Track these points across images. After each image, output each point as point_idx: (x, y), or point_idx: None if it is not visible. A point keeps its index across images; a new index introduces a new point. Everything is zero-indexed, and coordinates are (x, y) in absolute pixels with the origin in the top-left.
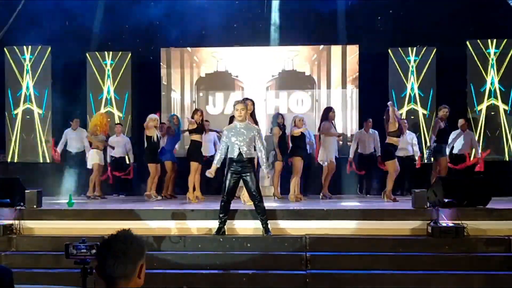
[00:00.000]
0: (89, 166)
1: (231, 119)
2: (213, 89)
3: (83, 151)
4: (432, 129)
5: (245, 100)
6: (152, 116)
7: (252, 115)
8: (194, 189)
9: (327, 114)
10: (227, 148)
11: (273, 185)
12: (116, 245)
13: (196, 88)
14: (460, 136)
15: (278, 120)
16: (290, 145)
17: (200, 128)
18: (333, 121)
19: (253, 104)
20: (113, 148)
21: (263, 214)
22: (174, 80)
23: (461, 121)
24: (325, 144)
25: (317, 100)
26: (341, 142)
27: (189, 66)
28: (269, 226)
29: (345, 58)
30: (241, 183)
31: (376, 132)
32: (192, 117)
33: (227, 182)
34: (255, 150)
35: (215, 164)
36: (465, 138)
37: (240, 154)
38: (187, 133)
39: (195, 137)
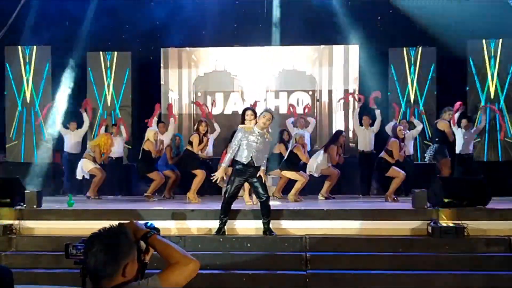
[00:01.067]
0: (79, 176)
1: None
2: (211, 88)
3: (81, 152)
4: (448, 136)
5: (246, 110)
6: (152, 129)
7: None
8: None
9: (337, 137)
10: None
11: (277, 186)
12: (100, 244)
13: (194, 88)
14: (464, 136)
15: (283, 136)
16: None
17: (203, 141)
18: (341, 145)
19: (255, 114)
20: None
21: (267, 215)
22: (172, 80)
23: (464, 121)
24: (319, 157)
25: (318, 100)
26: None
27: (187, 65)
28: (271, 227)
29: (348, 57)
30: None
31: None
32: (197, 129)
33: (232, 184)
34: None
35: (225, 165)
36: (468, 138)
37: (251, 160)
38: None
39: (190, 147)
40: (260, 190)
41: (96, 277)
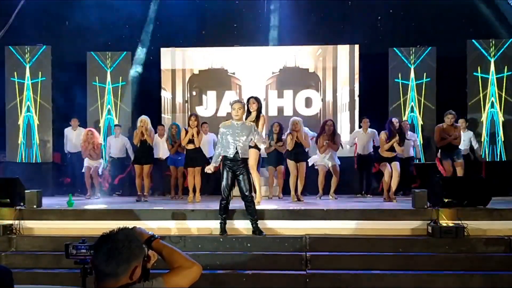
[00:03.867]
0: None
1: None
2: (207, 87)
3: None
4: (436, 141)
5: (249, 98)
6: (141, 117)
7: (258, 115)
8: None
9: (323, 128)
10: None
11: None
12: (113, 242)
13: (188, 87)
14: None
15: (273, 129)
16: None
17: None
18: (331, 133)
19: (259, 102)
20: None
21: (253, 215)
22: (165, 78)
23: (461, 121)
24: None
25: (322, 100)
26: (348, 146)
27: (180, 63)
28: (259, 226)
29: (353, 55)
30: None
31: (375, 131)
32: (188, 123)
33: (225, 181)
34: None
35: (214, 163)
36: (464, 137)
37: (236, 153)
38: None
39: (189, 146)
40: (244, 188)
41: (103, 275)
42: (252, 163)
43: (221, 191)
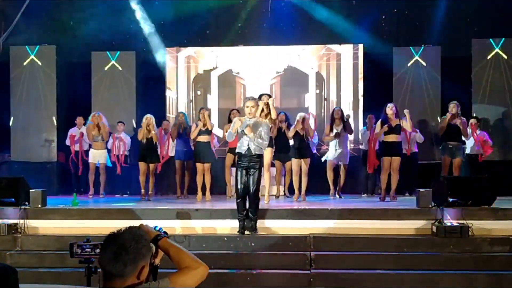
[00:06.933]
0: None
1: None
2: (211, 87)
3: (87, 150)
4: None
5: (261, 96)
6: (146, 115)
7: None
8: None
9: (332, 116)
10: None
11: (275, 184)
12: (120, 242)
13: (193, 86)
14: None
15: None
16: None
17: (207, 129)
18: (341, 119)
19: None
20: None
21: (254, 213)
22: (170, 78)
23: (473, 121)
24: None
25: (325, 99)
26: (352, 145)
27: (185, 62)
28: (257, 225)
29: (357, 54)
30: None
31: None
32: (198, 117)
33: (238, 178)
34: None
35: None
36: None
37: (248, 149)
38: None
39: (200, 138)
40: (254, 186)
41: (110, 275)
42: (267, 161)
43: (234, 189)
